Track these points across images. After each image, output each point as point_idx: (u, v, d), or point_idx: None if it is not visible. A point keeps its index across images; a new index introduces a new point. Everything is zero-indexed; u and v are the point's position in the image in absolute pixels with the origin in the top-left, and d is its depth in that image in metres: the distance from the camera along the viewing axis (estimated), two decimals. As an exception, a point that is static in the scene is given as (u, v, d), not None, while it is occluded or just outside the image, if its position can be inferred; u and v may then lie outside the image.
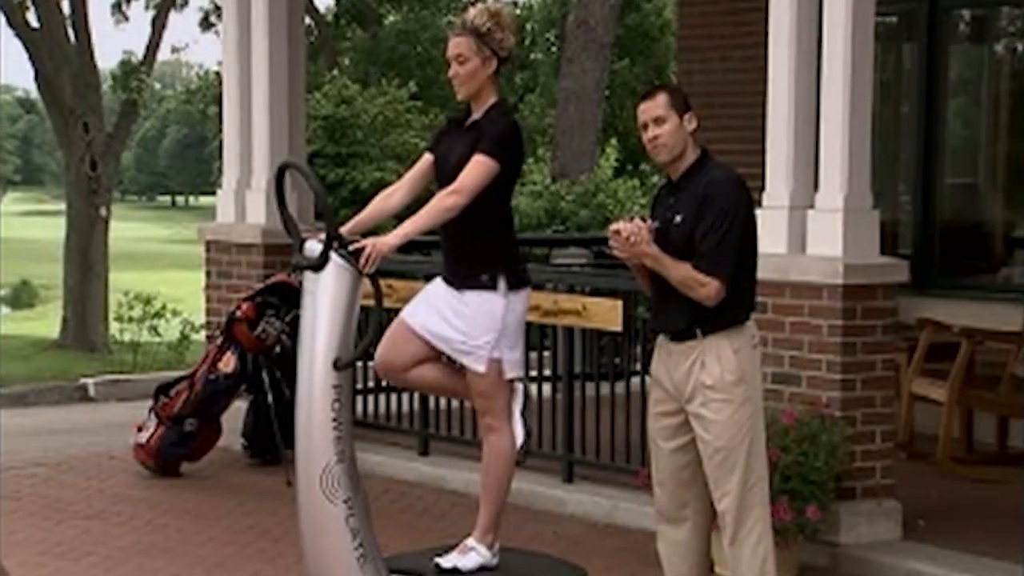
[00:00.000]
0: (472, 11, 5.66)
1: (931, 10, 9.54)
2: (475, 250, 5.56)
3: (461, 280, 5.57)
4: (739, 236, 5.05)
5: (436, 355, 5.66)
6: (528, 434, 5.83)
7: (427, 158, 5.77)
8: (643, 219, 5.17)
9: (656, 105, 5.12)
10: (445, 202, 5.47)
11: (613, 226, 5.07)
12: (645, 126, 5.13)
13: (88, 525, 7.48)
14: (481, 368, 5.55)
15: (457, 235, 5.56)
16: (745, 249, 5.10)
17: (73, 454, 9.25)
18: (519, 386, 5.76)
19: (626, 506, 7.30)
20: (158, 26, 20.85)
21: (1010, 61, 9.94)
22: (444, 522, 7.29)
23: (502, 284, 5.53)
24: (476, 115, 5.65)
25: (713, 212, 5.01)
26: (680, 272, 5.02)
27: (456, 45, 5.61)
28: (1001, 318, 8.49)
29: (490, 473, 5.68)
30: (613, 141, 21.58)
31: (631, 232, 5.01)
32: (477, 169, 5.47)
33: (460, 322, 5.54)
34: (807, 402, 6.62)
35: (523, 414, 5.78)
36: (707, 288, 5.00)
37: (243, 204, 9.22)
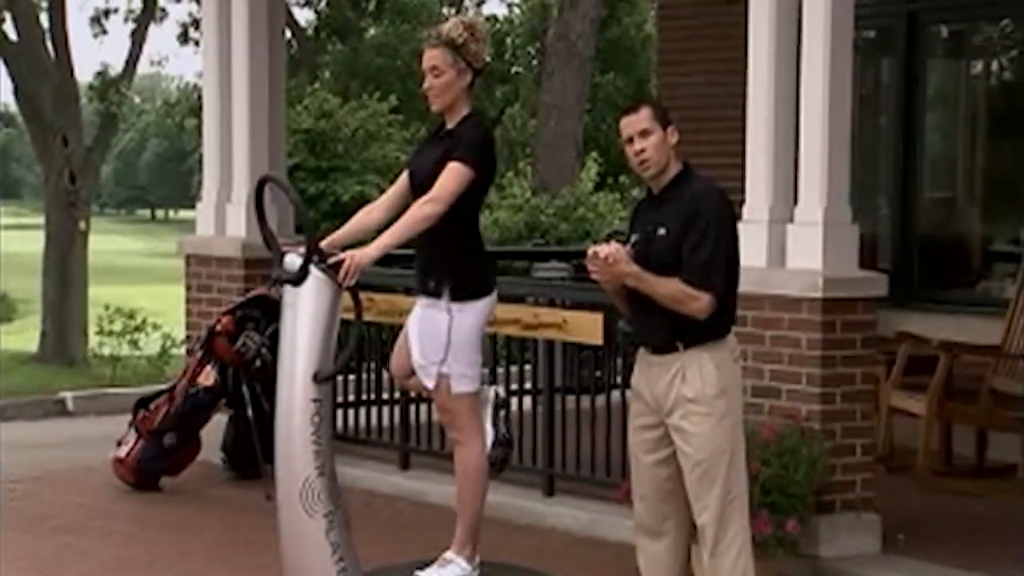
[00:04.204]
0: (447, 23, 5.67)
1: (909, 25, 9.59)
2: (429, 258, 5.58)
3: (418, 288, 5.64)
4: (726, 249, 5.06)
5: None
6: (508, 445, 5.82)
7: (406, 175, 5.79)
8: (620, 235, 5.17)
9: (641, 119, 5.13)
10: (422, 211, 5.47)
11: (591, 249, 5.06)
12: (630, 140, 5.13)
13: (68, 539, 7.45)
14: (429, 384, 5.58)
15: (421, 244, 5.59)
16: (729, 261, 5.11)
17: (52, 468, 9.21)
18: (489, 396, 5.77)
19: (607, 519, 7.29)
20: (137, 39, 20.82)
21: (988, 75, 10.00)
22: (424, 536, 7.27)
23: (445, 295, 5.53)
24: (450, 126, 5.65)
25: (702, 225, 5.01)
26: (668, 287, 5.00)
27: (431, 57, 5.61)
28: (979, 332, 8.52)
29: (462, 486, 5.69)
30: (594, 154, 21.59)
31: (609, 253, 4.99)
32: (452, 176, 5.46)
33: (417, 337, 5.60)
34: (787, 415, 6.63)
35: (496, 424, 5.77)
36: (700, 302, 4.99)
37: (223, 218, 9.21)
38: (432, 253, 5.57)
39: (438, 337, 5.52)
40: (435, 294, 5.53)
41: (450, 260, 5.56)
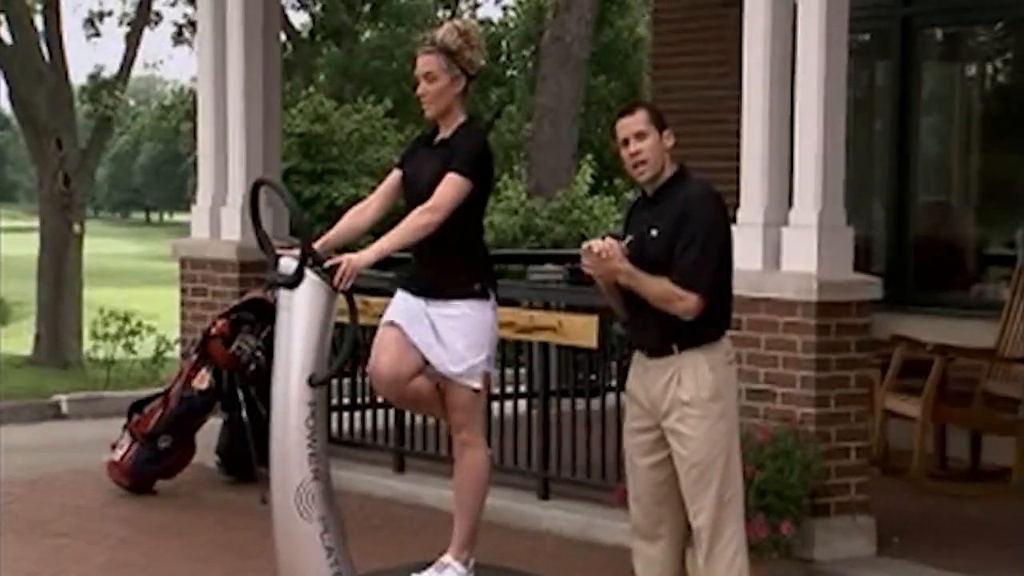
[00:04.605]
0: (442, 29, 5.68)
1: (904, 28, 9.60)
2: (461, 263, 5.59)
3: (448, 291, 5.56)
4: (718, 251, 5.07)
5: (424, 368, 5.64)
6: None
7: (396, 175, 5.79)
8: (616, 237, 5.18)
9: (636, 121, 5.13)
10: (420, 220, 5.49)
11: (585, 244, 5.09)
12: (626, 142, 5.14)
13: (63, 543, 7.44)
14: (478, 384, 5.56)
15: (439, 249, 5.56)
16: (722, 265, 5.12)
17: (47, 472, 9.20)
18: None
19: (602, 523, 7.30)
20: (132, 42, 20.82)
21: (982, 78, 10.01)
22: (420, 539, 7.27)
23: (492, 295, 5.58)
24: (445, 133, 5.66)
25: (692, 227, 5.02)
26: (657, 287, 5.02)
27: (425, 63, 5.62)
28: (974, 335, 8.53)
29: (466, 488, 5.68)
30: (589, 157, 21.60)
31: (603, 248, 5.02)
32: (451, 187, 5.49)
33: (457, 338, 5.52)
34: (782, 418, 6.63)
35: None
36: (686, 302, 5.01)
37: (218, 221, 9.20)
38: (460, 259, 5.57)
39: (485, 334, 5.54)
40: (482, 296, 5.55)
41: (483, 264, 5.64)
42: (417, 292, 5.65)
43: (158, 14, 23.37)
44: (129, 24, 21.69)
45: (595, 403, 7.93)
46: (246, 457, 8.27)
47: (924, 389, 7.98)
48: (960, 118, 9.83)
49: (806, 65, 6.69)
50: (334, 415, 8.68)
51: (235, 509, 8.06)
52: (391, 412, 8.57)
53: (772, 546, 6.32)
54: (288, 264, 5.48)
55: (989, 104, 9.82)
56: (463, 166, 5.50)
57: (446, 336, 5.53)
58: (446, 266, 5.58)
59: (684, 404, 5.06)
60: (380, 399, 8.71)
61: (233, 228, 9.08)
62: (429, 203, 5.48)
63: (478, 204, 5.62)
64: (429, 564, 5.70)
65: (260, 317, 8.41)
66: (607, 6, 27.40)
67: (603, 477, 7.44)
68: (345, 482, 7.78)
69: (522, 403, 8.53)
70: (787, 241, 6.75)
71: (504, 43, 30.52)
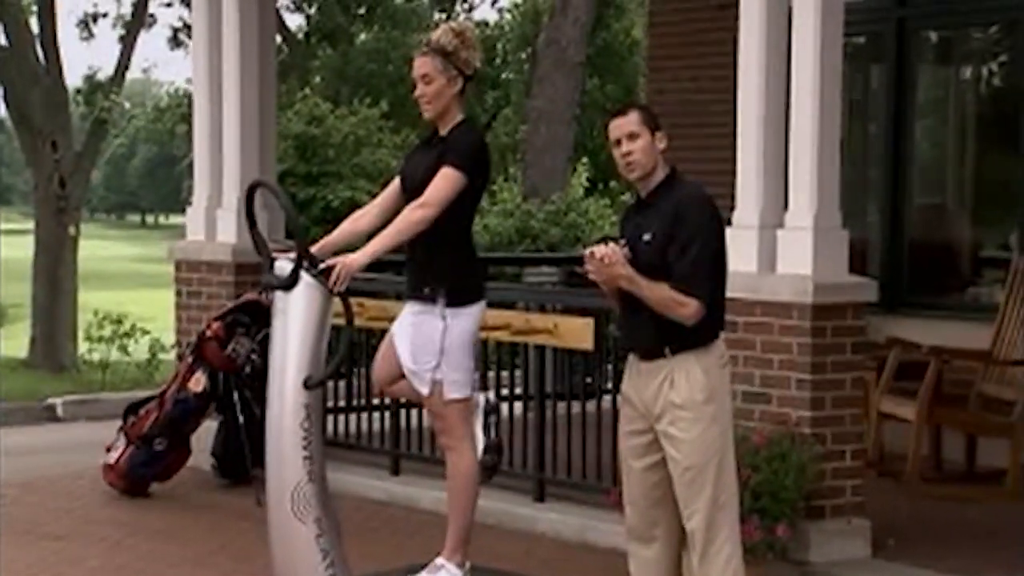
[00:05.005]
0: (437, 31, 5.70)
1: (899, 31, 9.61)
2: (423, 264, 5.60)
3: (410, 294, 5.63)
4: (711, 254, 5.07)
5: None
6: (499, 451, 5.83)
7: (397, 181, 5.80)
8: (616, 242, 5.19)
9: (629, 121, 5.14)
10: (413, 215, 5.49)
11: (588, 249, 5.09)
12: (618, 142, 5.15)
13: (58, 546, 7.44)
14: (424, 390, 5.59)
15: (414, 250, 5.60)
16: (716, 268, 5.12)
17: (41, 474, 9.19)
18: (480, 402, 5.78)
19: (597, 525, 7.29)
20: (127, 44, 20.82)
21: (977, 81, 10.02)
22: (415, 541, 7.27)
23: (440, 301, 5.54)
24: (443, 132, 5.67)
25: (687, 231, 5.02)
26: (658, 293, 5.02)
27: (422, 65, 5.64)
28: (969, 337, 8.53)
29: (453, 491, 5.70)
30: (584, 160, 21.60)
31: (605, 254, 5.02)
32: (444, 181, 5.48)
33: (409, 343, 5.60)
34: (777, 421, 6.64)
35: (487, 430, 5.78)
36: (687, 308, 5.00)
37: (213, 223, 9.20)
38: (426, 259, 5.58)
39: (432, 343, 5.53)
40: (430, 300, 5.55)
41: (444, 266, 5.58)
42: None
43: (152, 16, 23.36)
44: (124, 26, 21.68)
45: (591, 405, 7.93)
46: (241, 459, 8.27)
47: (919, 391, 7.98)
48: (955, 120, 9.84)
49: (801, 67, 6.69)
50: (330, 417, 8.68)
51: (231, 511, 8.06)
52: (387, 414, 8.58)
53: (767, 548, 6.32)
54: (283, 266, 5.49)
55: (984, 106, 9.83)
56: (456, 160, 5.50)
57: (407, 342, 5.58)
58: (414, 265, 5.63)
59: (677, 407, 5.06)
60: (376, 401, 8.74)
61: (228, 230, 9.08)
62: (421, 198, 5.49)
63: (469, 202, 5.61)
64: (424, 566, 5.70)
65: (255, 319, 8.41)
66: (603, 9, 27.40)
67: (599, 480, 7.44)
68: (341, 484, 7.78)
69: (518, 405, 8.53)
70: (782, 243, 6.75)
71: (500, 46, 30.51)
